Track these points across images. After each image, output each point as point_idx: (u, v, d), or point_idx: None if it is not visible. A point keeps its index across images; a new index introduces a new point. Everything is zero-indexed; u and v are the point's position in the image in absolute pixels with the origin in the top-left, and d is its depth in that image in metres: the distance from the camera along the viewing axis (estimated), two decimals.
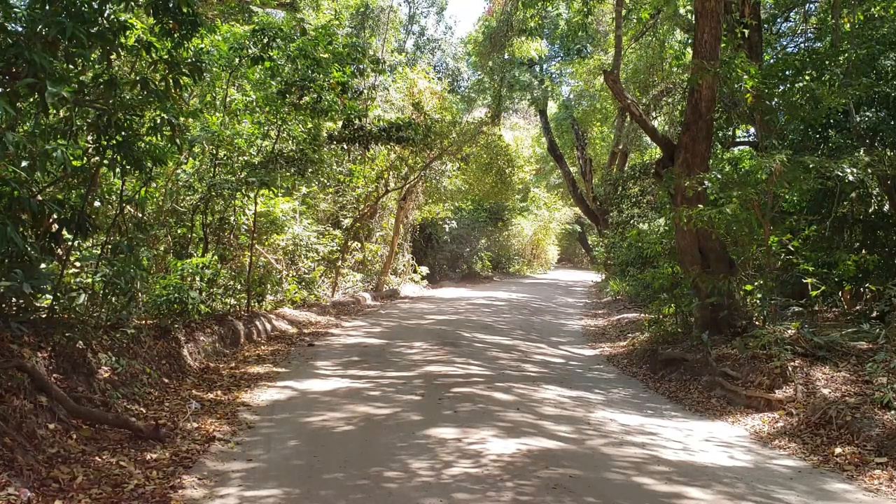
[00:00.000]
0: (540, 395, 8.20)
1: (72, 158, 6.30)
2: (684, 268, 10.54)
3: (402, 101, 20.96)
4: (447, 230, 27.55)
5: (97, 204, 7.63)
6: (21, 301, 6.04)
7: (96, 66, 6.38)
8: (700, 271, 10.05)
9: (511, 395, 8.11)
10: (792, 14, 17.23)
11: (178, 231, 11.15)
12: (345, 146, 16.73)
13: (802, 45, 15.62)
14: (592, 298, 23.67)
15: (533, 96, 26.58)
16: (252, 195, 11.81)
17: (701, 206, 9.53)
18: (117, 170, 6.68)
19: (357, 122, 15.00)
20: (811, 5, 16.37)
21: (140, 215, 9.27)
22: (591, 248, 38.04)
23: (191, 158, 10.98)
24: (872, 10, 12.52)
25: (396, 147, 17.79)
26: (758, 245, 9.73)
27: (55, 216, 6.07)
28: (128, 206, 8.63)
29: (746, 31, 13.15)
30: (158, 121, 6.69)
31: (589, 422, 7.07)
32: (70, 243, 6.84)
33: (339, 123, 15.06)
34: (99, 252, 7.40)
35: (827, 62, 10.49)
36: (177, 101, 7.04)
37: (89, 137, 6.66)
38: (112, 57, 6.48)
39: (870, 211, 12.01)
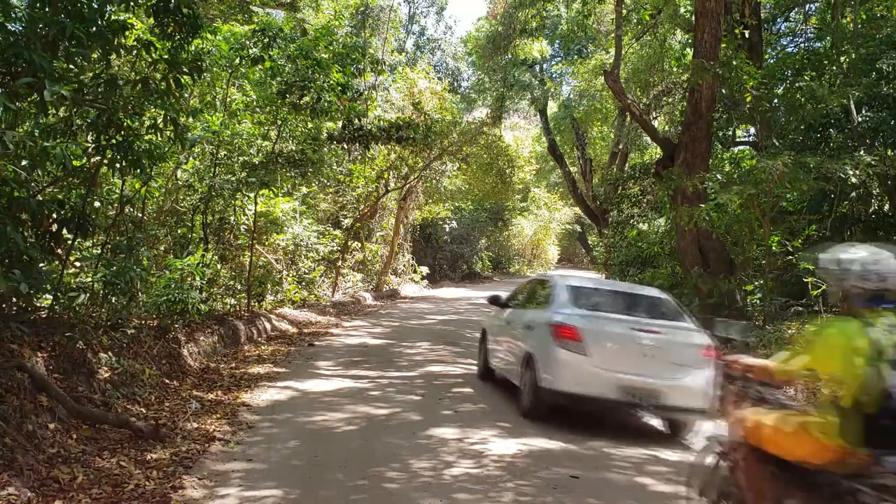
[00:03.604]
0: None
1: (72, 158, 6.29)
2: (684, 268, 10.54)
3: (403, 101, 20.94)
4: (447, 230, 27.55)
5: (97, 204, 7.61)
6: (21, 301, 6.03)
7: (96, 66, 6.37)
8: (700, 271, 10.05)
9: (512, 394, 8.09)
10: (792, 14, 17.24)
11: (179, 231, 11.14)
12: (345, 146, 16.72)
13: (802, 45, 15.62)
14: None
15: (533, 96, 26.59)
16: (252, 195, 11.80)
17: (701, 205, 9.54)
18: (116, 167, 6.66)
19: (357, 122, 15.00)
20: (811, 5, 16.38)
21: (140, 215, 9.26)
22: (591, 248, 38.02)
23: (191, 158, 10.98)
24: (875, 9, 12.52)
25: (396, 147, 17.78)
26: (758, 245, 9.72)
27: (55, 216, 6.06)
28: (128, 206, 8.62)
29: (746, 32, 13.15)
30: (160, 120, 6.68)
31: (589, 422, 7.06)
32: (70, 243, 6.83)
33: (340, 123, 15.06)
34: (99, 252, 7.38)
35: (826, 62, 10.50)
36: (178, 101, 7.02)
37: (89, 137, 6.65)
38: (112, 56, 6.46)
39: (870, 211, 12.00)
